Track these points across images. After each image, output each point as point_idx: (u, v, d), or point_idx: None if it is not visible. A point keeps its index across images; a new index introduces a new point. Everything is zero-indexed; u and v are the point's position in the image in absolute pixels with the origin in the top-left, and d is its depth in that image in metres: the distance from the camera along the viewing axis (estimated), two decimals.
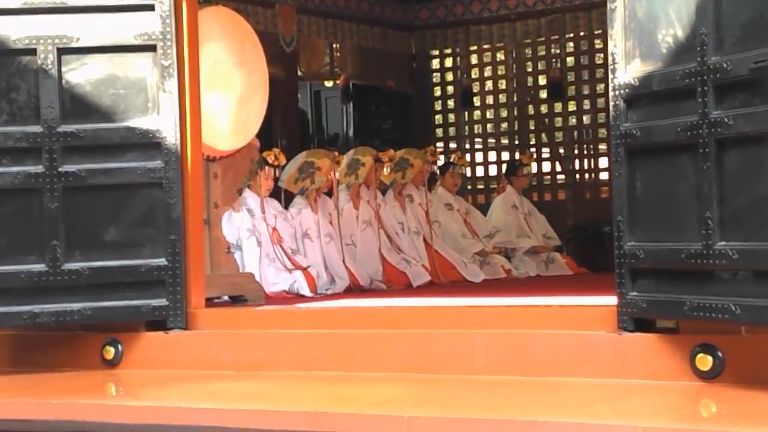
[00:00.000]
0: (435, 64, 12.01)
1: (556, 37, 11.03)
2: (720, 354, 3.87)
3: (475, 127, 11.78)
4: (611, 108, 4.17)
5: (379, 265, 7.66)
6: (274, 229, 7.13)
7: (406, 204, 8.31)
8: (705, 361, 3.89)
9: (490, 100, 11.69)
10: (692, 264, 3.80)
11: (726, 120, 3.69)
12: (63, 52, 5.12)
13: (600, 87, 10.53)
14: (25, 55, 5.11)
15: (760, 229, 3.58)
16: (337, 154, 7.57)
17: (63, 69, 5.12)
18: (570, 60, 11.11)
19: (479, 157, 11.57)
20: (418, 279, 7.76)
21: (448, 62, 11.93)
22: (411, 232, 8.18)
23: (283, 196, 7.49)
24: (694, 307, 3.80)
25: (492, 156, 11.61)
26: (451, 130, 11.82)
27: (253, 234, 6.98)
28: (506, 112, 11.55)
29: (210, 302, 5.49)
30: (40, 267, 5.06)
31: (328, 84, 11.35)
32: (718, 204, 3.72)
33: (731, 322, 3.71)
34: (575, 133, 11.19)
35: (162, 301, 5.11)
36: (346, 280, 7.22)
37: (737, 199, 3.68)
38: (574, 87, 11.09)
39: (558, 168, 11.25)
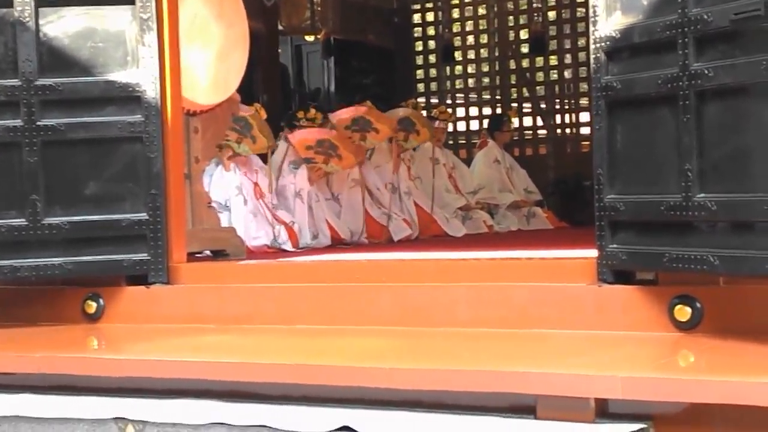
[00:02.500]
0: (416, 18, 11.97)
1: None
2: (698, 305, 3.90)
3: (457, 82, 11.77)
4: (592, 61, 4.16)
5: (362, 221, 7.68)
6: (256, 184, 7.13)
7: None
8: (683, 312, 3.92)
9: (471, 54, 11.67)
10: (672, 216, 3.82)
11: (706, 72, 3.69)
12: (40, 4, 5.06)
13: (582, 41, 10.54)
14: (2, 8, 5.05)
15: (738, 181, 3.59)
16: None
17: (40, 22, 5.07)
18: (552, 14, 11.10)
19: (461, 111, 11.57)
20: (398, 233, 7.78)
21: (430, 17, 11.89)
22: (401, 191, 8.15)
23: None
24: (673, 259, 3.82)
25: (473, 111, 11.61)
26: (433, 85, 11.82)
27: (240, 192, 6.99)
28: (488, 66, 11.54)
29: (191, 257, 5.49)
30: (19, 221, 5.03)
31: (309, 39, 11.30)
32: (697, 156, 3.72)
33: (710, 273, 3.73)
34: (556, 87, 11.20)
35: (143, 256, 5.10)
36: (328, 237, 7.25)
37: (717, 151, 3.69)
38: (555, 41, 11.08)
39: (539, 122, 11.26)
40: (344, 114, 7.61)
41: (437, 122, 9.05)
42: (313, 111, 7.51)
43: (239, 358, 4.10)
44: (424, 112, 10.22)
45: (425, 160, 8.76)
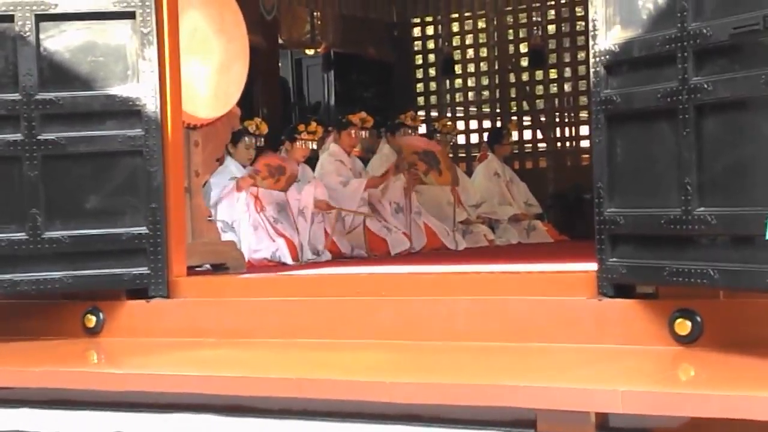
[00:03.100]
0: (416, 32, 11.98)
1: (537, 4, 11.02)
2: (698, 319, 3.90)
3: (457, 95, 11.77)
4: (591, 74, 4.17)
5: (362, 236, 7.69)
6: (256, 198, 7.13)
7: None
8: (684, 326, 3.92)
9: (471, 68, 11.68)
10: (671, 229, 3.82)
11: (705, 86, 3.69)
12: (41, 18, 5.07)
13: (581, 54, 10.54)
14: (3, 22, 5.06)
15: (738, 195, 3.60)
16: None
17: (41, 36, 5.08)
18: (551, 28, 11.10)
19: (460, 125, 11.57)
20: (397, 246, 7.77)
21: (430, 30, 11.91)
22: (411, 212, 8.14)
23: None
24: (673, 273, 3.82)
25: (473, 124, 11.62)
26: (433, 99, 11.82)
27: (248, 209, 6.99)
28: (487, 80, 11.55)
29: (191, 270, 5.49)
30: (20, 235, 5.03)
31: (309, 52, 11.30)
32: (697, 170, 3.73)
33: (710, 286, 3.73)
34: (556, 100, 11.20)
35: (143, 270, 5.10)
36: (327, 253, 7.26)
37: (716, 164, 3.69)
38: (555, 54, 11.09)
39: (539, 136, 11.27)
40: (419, 142, 7.79)
41: (439, 135, 9.05)
42: (313, 124, 7.52)
43: (239, 372, 4.09)
44: (425, 126, 10.22)
45: None
